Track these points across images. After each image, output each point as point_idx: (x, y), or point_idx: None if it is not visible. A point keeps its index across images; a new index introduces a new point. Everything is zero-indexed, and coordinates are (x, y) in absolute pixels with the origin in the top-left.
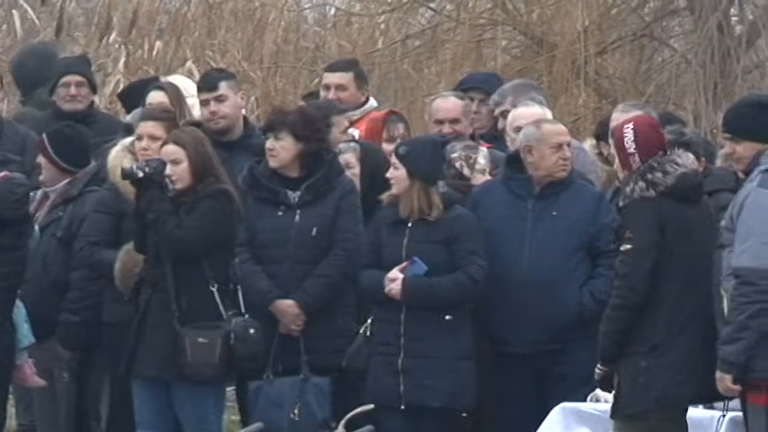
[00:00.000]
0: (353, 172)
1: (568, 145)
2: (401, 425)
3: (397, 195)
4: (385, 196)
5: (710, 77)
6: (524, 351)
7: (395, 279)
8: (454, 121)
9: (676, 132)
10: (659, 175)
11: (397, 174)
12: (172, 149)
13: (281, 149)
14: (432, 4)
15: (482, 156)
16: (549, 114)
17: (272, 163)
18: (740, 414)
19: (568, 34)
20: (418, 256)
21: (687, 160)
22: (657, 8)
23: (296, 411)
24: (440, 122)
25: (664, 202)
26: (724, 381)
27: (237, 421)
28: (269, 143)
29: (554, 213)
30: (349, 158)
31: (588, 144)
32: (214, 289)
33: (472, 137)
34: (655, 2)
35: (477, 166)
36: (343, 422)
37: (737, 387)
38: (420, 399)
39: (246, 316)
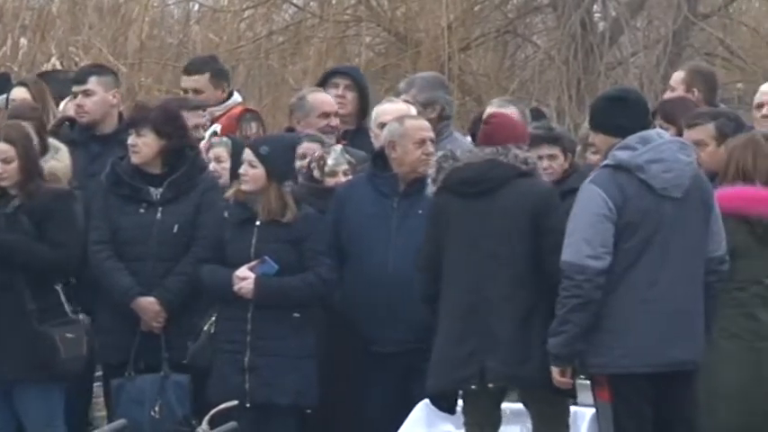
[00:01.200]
0: (224, 166)
1: (432, 141)
2: (246, 423)
3: (247, 193)
4: (231, 193)
5: (574, 74)
6: (391, 350)
7: (245, 278)
8: (337, 114)
9: (545, 127)
10: (440, 171)
11: (254, 173)
12: (3, 148)
13: (143, 146)
14: (296, 1)
15: (331, 158)
16: (413, 110)
17: (134, 159)
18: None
19: (432, 31)
20: (268, 256)
21: (466, 155)
22: (521, 5)
23: (156, 409)
24: (326, 115)
25: (441, 196)
26: (554, 373)
27: (103, 417)
28: (131, 139)
29: (419, 212)
30: (220, 153)
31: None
32: (59, 288)
33: (343, 134)
34: None
35: (327, 169)
36: (206, 418)
37: (567, 380)
38: (267, 396)
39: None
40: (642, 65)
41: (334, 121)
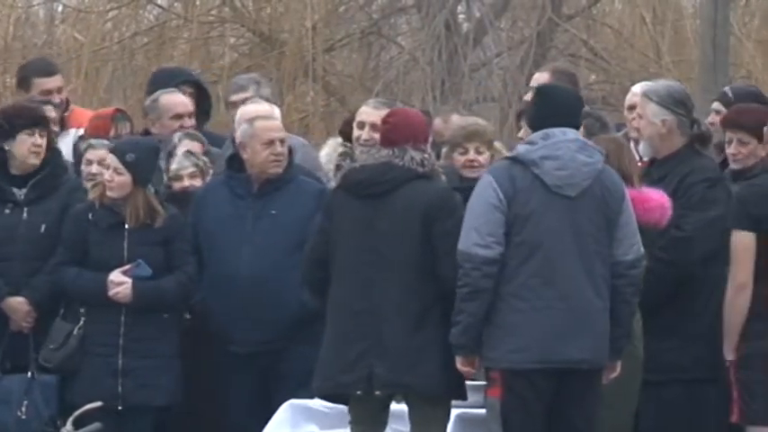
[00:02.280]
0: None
1: (281, 141)
2: (117, 425)
3: (114, 199)
4: (94, 196)
5: (438, 75)
6: (249, 350)
7: (121, 282)
8: (191, 115)
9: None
10: (338, 169)
11: (120, 180)
12: None
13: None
14: (160, 2)
15: (175, 162)
16: (276, 111)
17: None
18: (469, 411)
19: (297, 32)
20: (141, 259)
21: (363, 156)
22: (385, 5)
23: (23, 409)
24: (179, 117)
25: (337, 194)
26: (457, 362)
27: None
28: None
29: (273, 212)
30: (103, 155)
31: (336, 141)
32: None
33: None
34: None
35: (170, 173)
36: (71, 419)
37: (468, 369)
38: (141, 398)
39: None
40: (506, 66)
41: (188, 123)
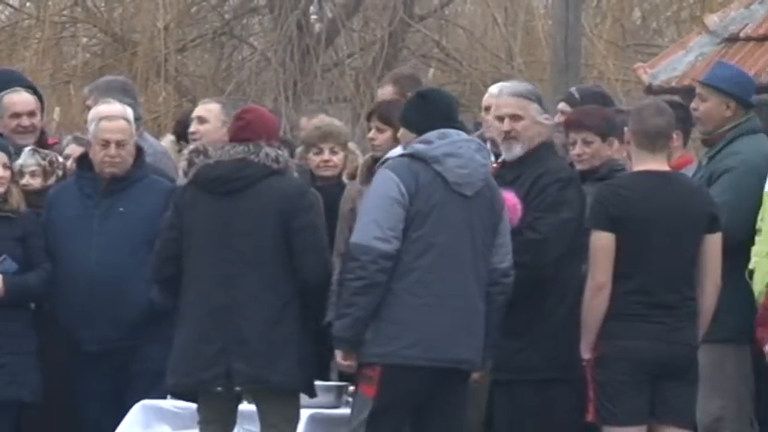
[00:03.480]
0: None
1: (119, 143)
2: None
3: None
4: None
5: (290, 75)
6: (100, 349)
7: None
8: (31, 113)
9: None
10: (190, 166)
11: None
12: None
13: None
14: (11, 1)
15: (21, 158)
16: (129, 112)
17: None
18: (321, 411)
19: (149, 32)
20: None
21: (218, 153)
22: (237, 6)
23: None
24: (17, 116)
25: (189, 190)
26: (338, 356)
27: None
28: None
29: (121, 210)
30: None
31: (168, 140)
32: None
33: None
34: (234, 0)
35: (15, 169)
36: None
37: (349, 363)
38: (9, 394)
39: None
40: (359, 66)
41: (26, 122)
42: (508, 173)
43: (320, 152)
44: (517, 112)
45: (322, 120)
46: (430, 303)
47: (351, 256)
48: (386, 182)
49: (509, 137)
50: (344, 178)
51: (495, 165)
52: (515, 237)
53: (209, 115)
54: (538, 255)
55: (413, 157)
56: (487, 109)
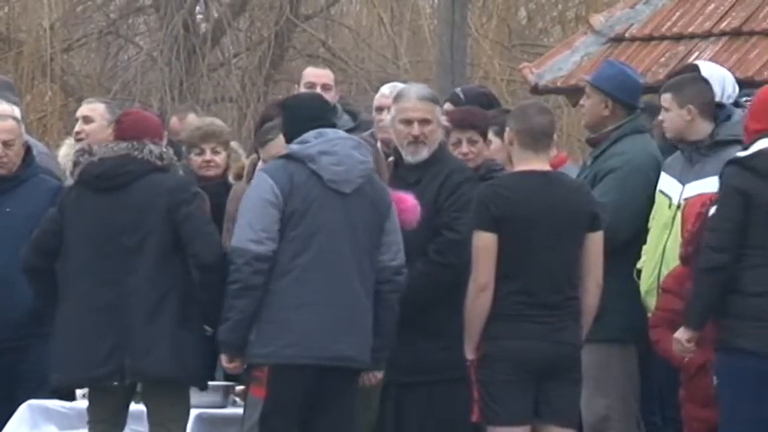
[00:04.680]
0: None
1: (5, 143)
2: None
3: None
4: None
5: (176, 75)
6: None
7: None
8: None
9: None
10: (76, 165)
11: None
12: None
13: None
14: None
15: None
16: (16, 111)
17: None
18: (208, 411)
19: (34, 31)
20: None
21: (102, 150)
22: (123, 6)
23: None
24: None
25: (76, 189)
26: (223, 360)
27: None
28: None
29: (7, 210)
30: None
31: (71, 141)
32: None
33: None
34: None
35: None
36: None
37: (235, 365)
38: None
39: None
40: (245, 66)
41: None
42: (409, 174)
43: (202, 152)
44: (427, 116)
45: (203, 120)
46: (308, 302)
47: (229, 260)
48: (260, 185)
49: (418, 141)
50: (231, 178)
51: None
52: (434, 238)
53: (95, 114)
54: (458, 254)
55: (289, 157)
56: (380, 109)
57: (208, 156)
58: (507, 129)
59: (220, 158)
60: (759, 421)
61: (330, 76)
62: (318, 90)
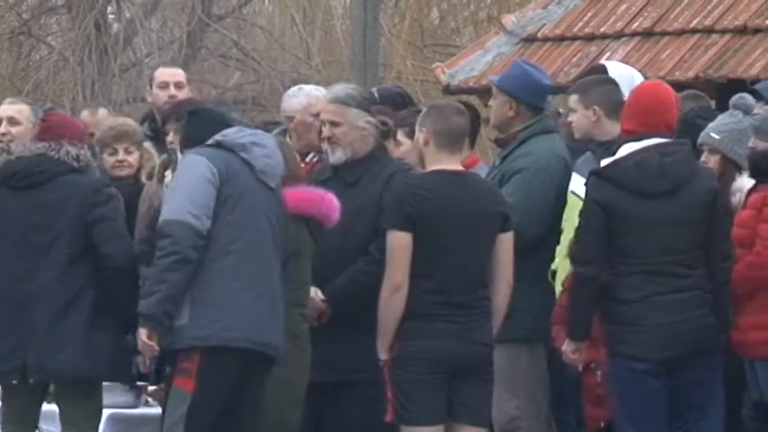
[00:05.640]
0: None
1: None
2: None
3: None
4: None
5: (88, 75)
6: None
7: None
8: None
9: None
10: None
11: None
12: None
13: None
14: None
15: None
16: None
17: None
18: (120, 411)
19: None
20: None
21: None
22: (35, 5)
23: None
24: None
25: None
26: (141, 335)
27: None
28: None
29: None
30: None
31: None
32: None
33: None
34: None
35: None
36: None
37: (151, 344)
38: None
39: None
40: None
41: None
42: (347, 174)
43: (115, 152)
44: (335, 118)
45: (116, 120)
46: (247, 286)
47: (162, 233)
48: (197, 163)
49: (330, 142)
50: (143, 178)
51: (305, 164)
52: (376, 237)
53: (21, 117)
54: None
55: (219, 146)
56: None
57: (121, 156)
58: (421, 129)
59: (133, 158)
60: (645, 423)
61: (182, 74)
62: (172, 89)
